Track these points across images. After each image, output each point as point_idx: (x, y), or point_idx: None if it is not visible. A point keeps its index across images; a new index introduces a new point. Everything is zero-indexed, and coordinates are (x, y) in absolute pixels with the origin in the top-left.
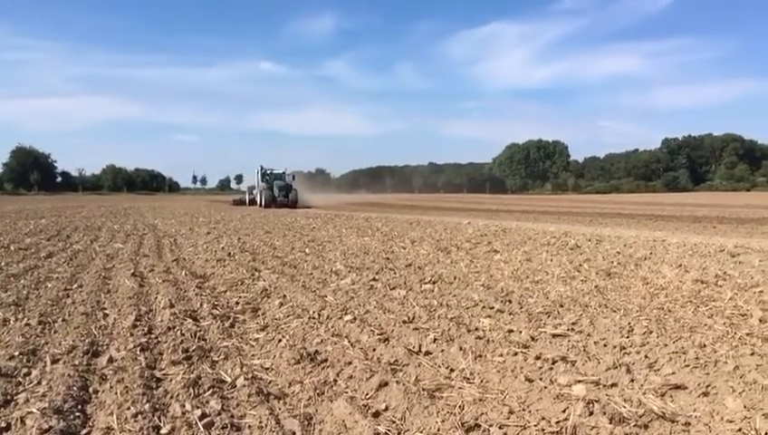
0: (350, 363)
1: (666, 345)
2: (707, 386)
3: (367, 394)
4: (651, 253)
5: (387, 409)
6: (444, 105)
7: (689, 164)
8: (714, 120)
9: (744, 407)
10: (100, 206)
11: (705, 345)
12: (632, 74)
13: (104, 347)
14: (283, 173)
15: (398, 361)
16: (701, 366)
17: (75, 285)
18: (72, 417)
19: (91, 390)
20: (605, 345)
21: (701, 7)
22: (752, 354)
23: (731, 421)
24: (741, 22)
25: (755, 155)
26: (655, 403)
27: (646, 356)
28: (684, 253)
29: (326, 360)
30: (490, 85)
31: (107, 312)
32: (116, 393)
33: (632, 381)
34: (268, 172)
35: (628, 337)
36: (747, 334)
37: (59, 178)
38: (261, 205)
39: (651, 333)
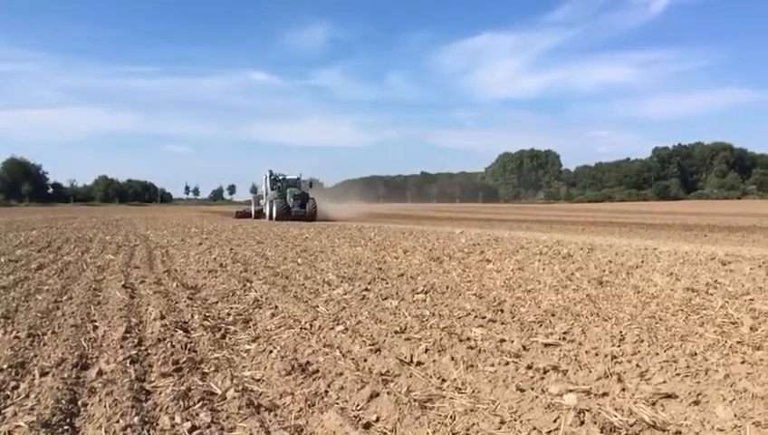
0: (341, 374)
1: (657, 354)
2: (698, 395)
3: (358, 405)
4: (643, 261)
5: (378, 420)
6: (436, 115)
7: (680, 173)
8: (704, 128)
9: (735, 416)
10: (91, 217)
11: (695, 354)
12: (623, 84)
13: (94, 360)
14: (298, 179)
15: (389, 371)
16: (692, 375)
17: (65, 297)
18: (60, 431)
19: (79, 403)
20: (596, 354)
21: (691, 18)
22: (742, 363)
23: (722, 430)
24: (730, 32)
25: (745, 163)
26: (646, 412)
27: (637, 365)
28: (675, 261)
29: (317, 371)
30: (482, 95)
31: (97, 324)
32: (105, 406)
33: (623, 390)
34: (279, 178)
35: (619, 346)
36: (738, 343)
37: (50, 190)
38: (271, 217)
39: (642, 341)
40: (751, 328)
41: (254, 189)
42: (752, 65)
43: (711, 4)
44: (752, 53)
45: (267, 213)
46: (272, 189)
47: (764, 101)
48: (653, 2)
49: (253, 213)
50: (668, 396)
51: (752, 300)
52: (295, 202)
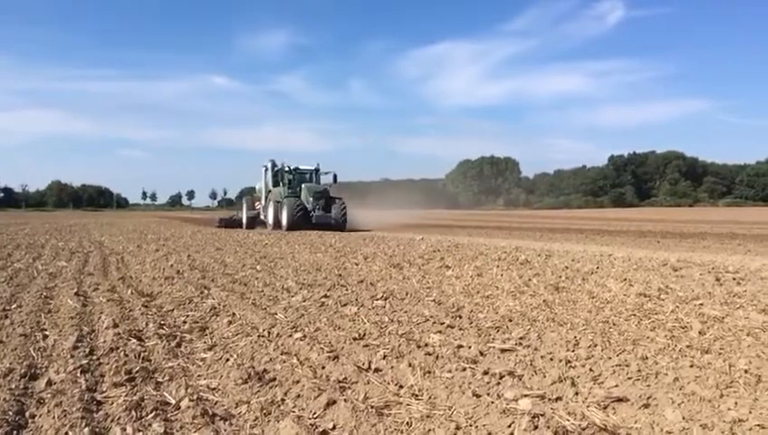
0: (298, 382)
1: (609, 358)
2: (648, 398)
3: (314, 413)
4: (598, 267)
5: (334, 428)
6: (397, 122)
7: (635, 180)
8: (657, 137)
9: (683, 418)
10: (44, 223)
11: (647, 358)
12: (580, 93)
13: (43, 370)
14: (316, 171)
15: (347, 378)
16: (643, 378)
17: (14, 306)
18: None
19: (27, 414)
20: (551, 359)
21: (644, 30)
22: (691, 366)
23: (670, 433)
24: (682, 44)
25: (697, 172)
26: (597, 416)
27: (590, 369)
28: (629, 267)
29: (274, 379)
30: (443, 102)
31: (47, 333)
32: (54, 418)
33: (576, 394)
34: (288, 169)
35: (573, 351)
36: (687, 347)
37: (1, 195)
38: (278, 225)
39: (596, 346)
40: (700, 332)
41: (213, 195)
42: (704, 77)
43: (663, 17)
44: (703, 65)
45: (270, 219)
46: (276, 186)
47: (715, 112)
48: (608, 14)
49: (244, 221)
50: (620, 399)
51: (701, 305)
52: (316, 203)
